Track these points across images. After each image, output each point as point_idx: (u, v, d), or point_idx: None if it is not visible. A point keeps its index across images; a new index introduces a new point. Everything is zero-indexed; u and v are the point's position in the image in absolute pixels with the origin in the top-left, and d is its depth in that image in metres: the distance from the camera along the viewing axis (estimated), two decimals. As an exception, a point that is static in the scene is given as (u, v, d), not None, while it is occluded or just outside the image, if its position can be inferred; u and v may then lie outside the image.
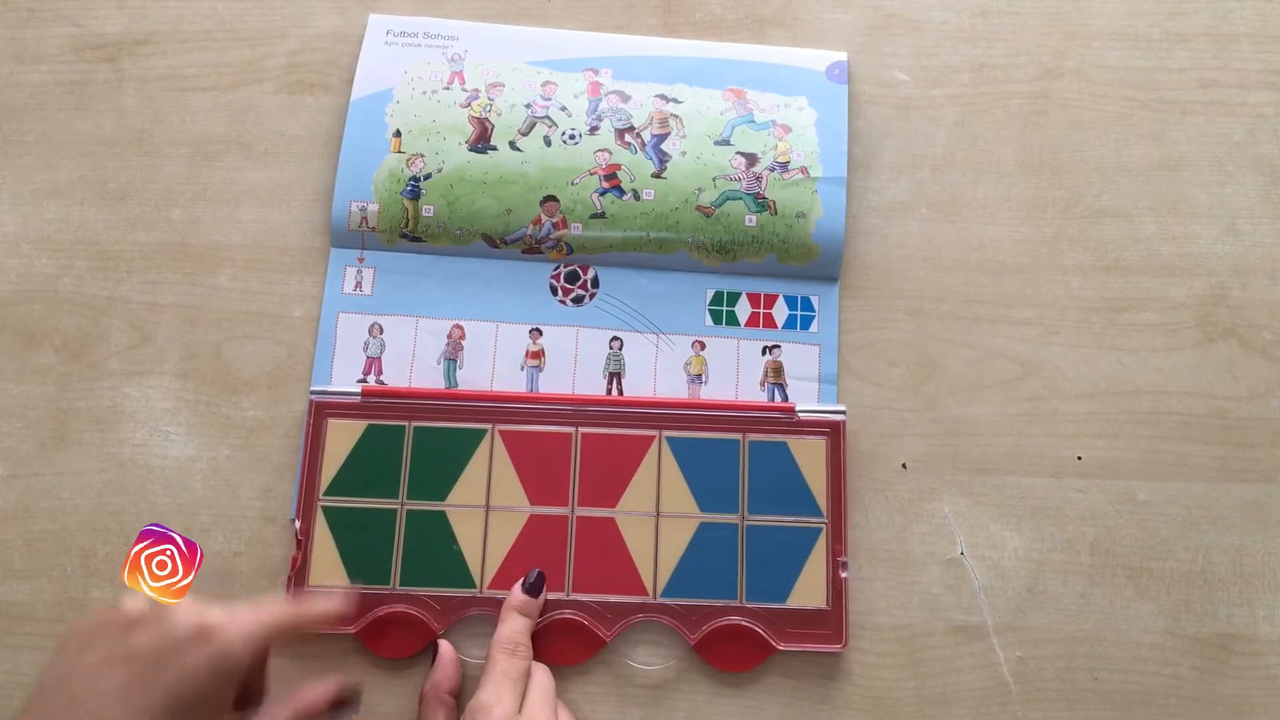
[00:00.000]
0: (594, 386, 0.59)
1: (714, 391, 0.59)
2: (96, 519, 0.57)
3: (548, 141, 0.61)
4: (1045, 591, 0.56)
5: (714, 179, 0.60)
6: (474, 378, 0.59)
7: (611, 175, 0.60)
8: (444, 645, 0.54)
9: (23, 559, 0.56)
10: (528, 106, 0.62)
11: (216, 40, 0.64)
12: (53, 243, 0.61)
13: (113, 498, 0.57)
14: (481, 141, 0.61)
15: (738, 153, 0.61)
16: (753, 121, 0.62)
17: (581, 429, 0.57)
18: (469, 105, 0.62)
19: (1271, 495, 0.58)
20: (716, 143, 0.61)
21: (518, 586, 0.54)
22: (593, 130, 0.61)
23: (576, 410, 0.57)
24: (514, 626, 0.53)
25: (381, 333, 0.59)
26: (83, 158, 0.62)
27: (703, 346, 0.59)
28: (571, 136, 0.61)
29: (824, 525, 0.56)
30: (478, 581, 0.55)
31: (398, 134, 0.61)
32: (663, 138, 0.61)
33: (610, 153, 0.61)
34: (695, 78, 0.63)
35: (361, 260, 0.60)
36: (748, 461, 0.57)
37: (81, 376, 0.58)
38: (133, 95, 0.63)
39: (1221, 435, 0.59)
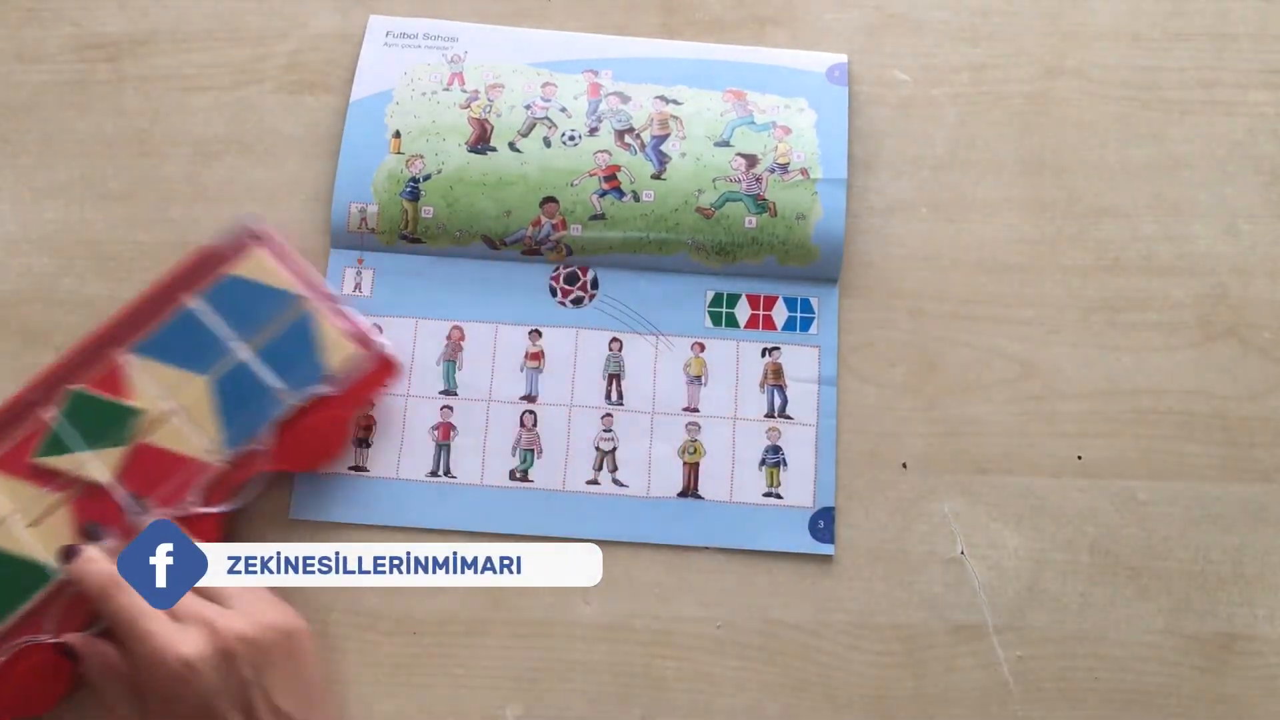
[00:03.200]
0: (593, 388, 0.59)
1: (714, 393, 0.59)
2: (97, 519, 0.57)
3: (547, 143, 0.61)
4: (1045, 591, 0.56)
5: (714, 180, 0.60)
6: (474, 380, 0.59)
7: (611, 176, 0.60)
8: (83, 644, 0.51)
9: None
10: (527, 108, 0.62)
11: (216, 40, 0.64)
12: (53, 243, 0.61)
13: (113, 498, 0.57)
14: (481, 143, 0.61)
15: (738, 154, 0.61)
16: (753, 123, 0.62)
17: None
18: (469, 106, 0.62)
19: (1271, 495, 0.58)
20: (716, 144, 0.61)
21: (86, 549, 0.51)
22: (592, 131, 0.61)
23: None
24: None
25: (381, 334, 0.59)
26: (83, 158, 0.62)
27: (702, 348, 0.59)
28: (571, 138, 0.61)
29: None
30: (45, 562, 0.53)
31: (397, 135, 0.61)
32: (663, 139, 0.61)
33: (610, 154, 0.61)
34: (695, 79, 0.63)
35: (361, 261, 0.60)
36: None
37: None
38: (133, 95, 0.63)
39: (1221, 435, 0.59)
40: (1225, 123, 0.63)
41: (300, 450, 0.55)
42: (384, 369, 0.57)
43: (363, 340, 0.56)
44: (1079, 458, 0.58)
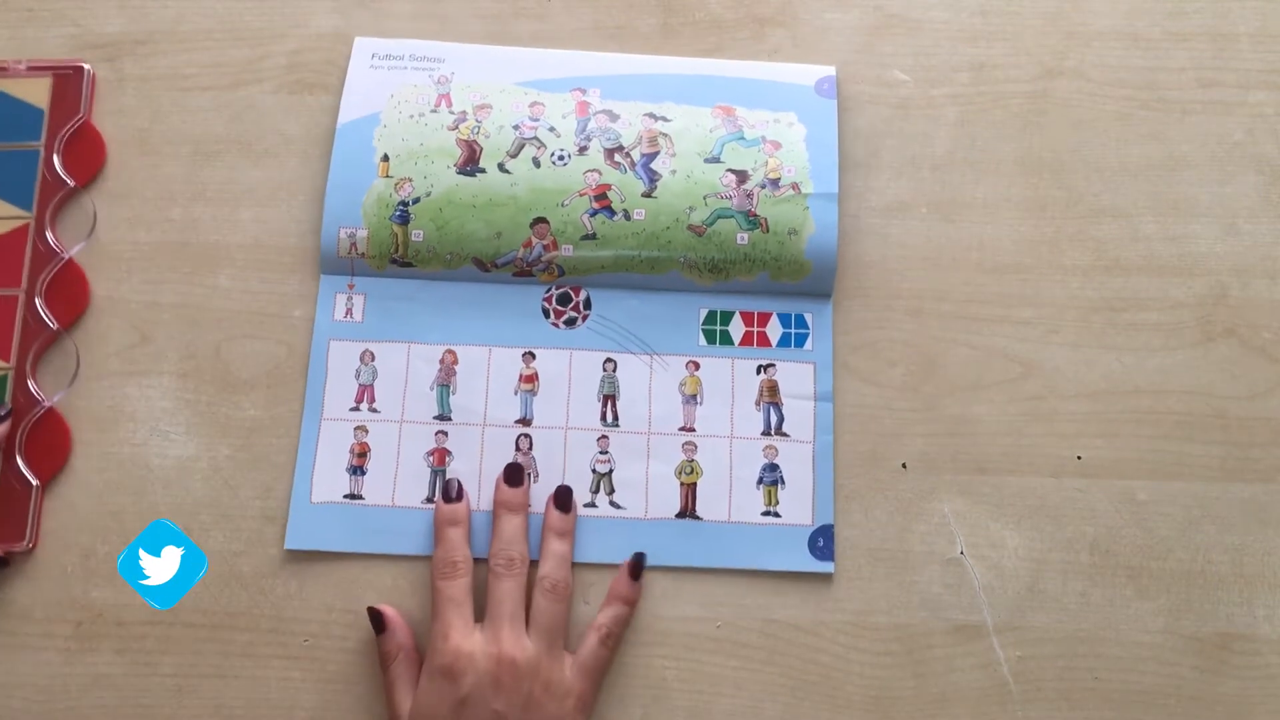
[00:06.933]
0: (589, 410, 0.58)
1: (710, 412, 0.59)
2: (96, 519, 0.57)
3: (536, 163, 0.60)
4: (1045, 591, 0.57)
5: (705, 197, 0.60)
6: (467, 403, 0.59)
7: (601, 195, 0.60)
8: (389, 612, 0.54)
9: (23, 558, 0.56)
10: (516, 128, 0.61)
11: (216, 40, 0.64)
12: (53, 244, 0.61)
13: (113, 498, 0.57)
14: (470, 164, 0.60)
15: (728, 170, 0.60)
16: (742, 138, 0.61)
17: None
18: (456, 128, 0.61)
19: (1271, 495, 0.58)
20: (706, 160, 0.61)
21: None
22: (582, 150, 0.61)
23: None
24: (450, 543, 0.55)
25: (373, 360, 0.59)
26: (82, 158, 0.62)
27: (697, 367, 0.59)
28: (560, 157, 0.61)
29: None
30: None
31: (385, 158, 0.61)
32: (652, 156, 0.61)
33: (600, 173, 0.60)
34: (683, 95, 0.62)
35: (351, 287, 0.60)
36: None
37: (82, 376, 0.59)
38: (133, 95, 0.63)
39: (1221, 435, 0.59)
40: (1225, 123, 0.63)
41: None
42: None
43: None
44: (1079, 458, 0.58)
